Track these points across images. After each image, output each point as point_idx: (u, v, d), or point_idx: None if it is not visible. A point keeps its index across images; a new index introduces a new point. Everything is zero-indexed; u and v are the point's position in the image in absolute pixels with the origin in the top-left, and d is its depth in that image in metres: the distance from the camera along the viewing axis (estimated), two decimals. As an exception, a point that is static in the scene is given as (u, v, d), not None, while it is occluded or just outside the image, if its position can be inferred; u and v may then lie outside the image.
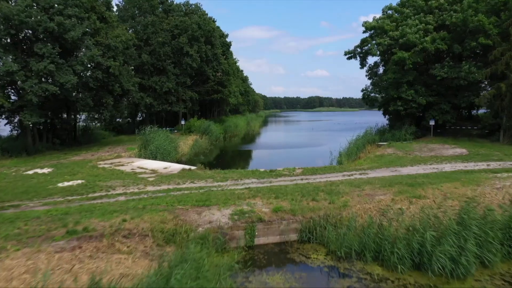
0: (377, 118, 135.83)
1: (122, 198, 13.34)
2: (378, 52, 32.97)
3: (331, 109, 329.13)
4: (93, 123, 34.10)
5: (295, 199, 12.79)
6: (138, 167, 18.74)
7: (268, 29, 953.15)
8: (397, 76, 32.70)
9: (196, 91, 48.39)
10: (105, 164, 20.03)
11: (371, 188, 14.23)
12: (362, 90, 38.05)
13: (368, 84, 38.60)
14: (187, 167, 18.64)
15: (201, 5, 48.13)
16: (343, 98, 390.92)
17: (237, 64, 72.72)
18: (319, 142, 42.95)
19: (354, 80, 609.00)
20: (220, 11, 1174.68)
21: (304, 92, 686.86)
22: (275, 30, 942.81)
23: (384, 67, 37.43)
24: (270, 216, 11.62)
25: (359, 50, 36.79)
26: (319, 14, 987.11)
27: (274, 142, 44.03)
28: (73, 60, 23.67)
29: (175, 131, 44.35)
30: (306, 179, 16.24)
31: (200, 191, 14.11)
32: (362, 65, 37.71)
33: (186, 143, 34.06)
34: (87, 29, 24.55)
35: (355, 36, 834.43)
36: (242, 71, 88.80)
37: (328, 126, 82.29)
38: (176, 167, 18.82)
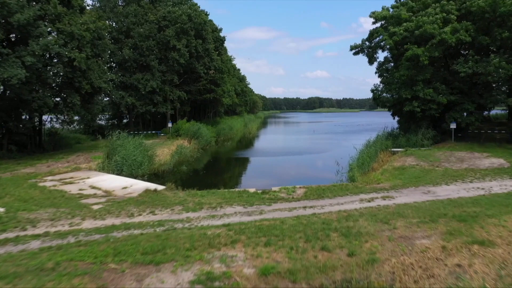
0: (380, 119, 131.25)
1: (36, 243, 8.94)
2: (392, 43, 28.50)
3: (331, 110, 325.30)
4: (64, 126, 29.64)
5: (296, 247, 8.36)
6: (90, 186, 14.35)
7: (267, 30, 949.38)
8: (411, 73, 28.33)
9: (186, 90, 44.04)
10: (51, 181, 15.62)
11: (405, 224, 9.84)
12: (372, 90, 33.66)
13: (378, 83, 34.36)
14: (152, 186, 14.24)
15: (192, -4, 43.83)
16: (343, 99, 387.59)
17: (233, 62, 68.42)
18: (323, 147, 38.59)
19: (354, 81, 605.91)
20: (220, 12, 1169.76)
21: (304, 93, 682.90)
22: (274, 31, 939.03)
23: (394, 64, 33.07)
24: (255, 286, 7.20)
25: (367, 43, 32.47)
26: (319, 14, 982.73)
27: (272, 147, 39.64)
28: (22, 50, 19.24)
29: (162, 134, 39.99)
30: (311, 206, 11.84)
31: (157, 230, 9.71)
32: (371, 61, 33.37)
33: (169, 149, 29.63)
34: (41, 13, 20.14)
35: (355, 36, 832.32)
36: (239, 70, 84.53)
37: (330, 128, 77.96)
38: (139, 186, 14.43)
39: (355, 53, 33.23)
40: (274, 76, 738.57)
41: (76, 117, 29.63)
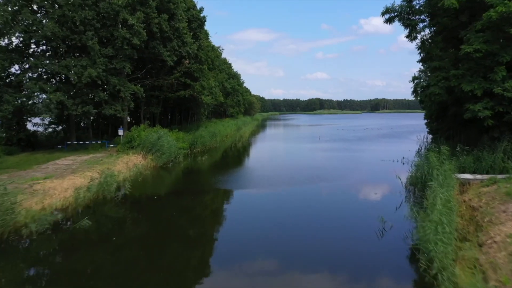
0: (386, 122, 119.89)
1: None
2: (456, 2, 17.23)
3: (332, 111, 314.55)
4: None
5: None
6: None
7: (268, 32, 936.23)
8: (493, 48, 17.14)
9: (153, 85, 32.91)
10: None
11: None
12: (414, 78, 22.40)
13: (417, 72, 23.27)
14: None
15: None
16: (344, 100, 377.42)
17: (220, 51, 56.92)
18: (339, 165, 26.93)
19: (354, 83, 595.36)
20: (220, 14, 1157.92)
21: (304, 94, 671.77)
22: (275, 32, 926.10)
23: (446, 43, 21.79)
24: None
25: (406, 4, 21.20)
26: (319, 16, 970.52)
27: (267, 165, 28.08)
28: None
29: (111, 146, 28.79)
30: None
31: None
32: (411, 34, 22.12)
33: (92, 173, 18.24)
34: None
35: (356, 38, 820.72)
36: (230, 64, 73.12)
37: (337, 133, 66.66)
38: None
39: (387, 20, 21.98)
40: (274, 78, 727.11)
41: None
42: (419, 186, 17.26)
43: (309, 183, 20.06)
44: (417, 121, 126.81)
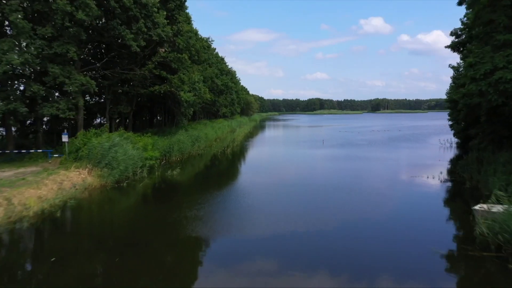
0: (391, 122, 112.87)
1: None
2: None
3: (333, 111, 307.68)
4: None
5: None
6: None
7: (267, 32, 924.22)
8: None
9: (118, 78, 26.25)
10: None
11: None
12: (468, 61, 15.53)
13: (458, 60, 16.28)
14: None
15: None
16: (345, 100, 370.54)
17: (209, 42, 49.89)
18: (359, 186, 19.97)
19: (353, 83, 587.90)
20: (220, 14, 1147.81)
21: (304, 95, 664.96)
22: (274, 32, 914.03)
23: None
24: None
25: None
26: (319, 16, 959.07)
27: (261, 183, 21.26)
28: None
29: (55, 156, 21.99)
30: None
31: None
32: None
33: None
34: None
35: (356, 38, 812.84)
36: (222, 58, 66.00)
37: (340, 135, 59.93)
38: None
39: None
40: (274, 78, 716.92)
41: None
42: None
43: (325, 224, 13.00)
44: (424, 121, 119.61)
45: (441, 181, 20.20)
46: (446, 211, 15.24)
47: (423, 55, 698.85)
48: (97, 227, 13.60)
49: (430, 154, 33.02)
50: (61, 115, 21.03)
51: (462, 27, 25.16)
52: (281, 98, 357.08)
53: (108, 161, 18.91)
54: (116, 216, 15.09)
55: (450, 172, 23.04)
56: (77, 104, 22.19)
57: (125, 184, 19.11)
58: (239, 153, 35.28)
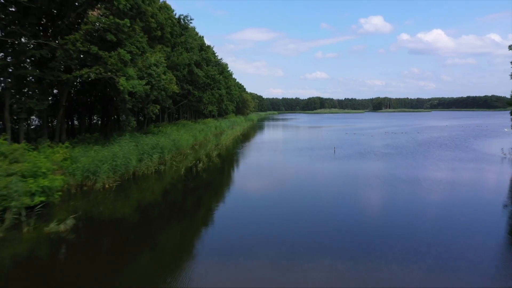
0: (401, 122, 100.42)
1: None
2: None
3: (333, 110, 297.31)
4: None
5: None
6: None
7: (267, 31, 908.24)
8: None
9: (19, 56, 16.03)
10: None
11: None
12: None
13: None
14: None
15: None
16: (346, 99, 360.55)
17: (186, 20, 38.93)
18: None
19: (353, 83, 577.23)
20: (220, 13, 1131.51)
21: (303, 94, 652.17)
22: (274, 32, 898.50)
23: None
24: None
25: None
26: (319, 16, 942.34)
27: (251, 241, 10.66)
28: None
29: None
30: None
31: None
32: None
33: None
34: None
35: (355, 38, 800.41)
36: (208, 46, 55.15)
37: (350, 138, 49.59)
38: None
39: None
40: (273, 78, 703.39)
41: None
42: None
43: None
44: (437, 121, 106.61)
45: None
46: None
47: (423, 54, 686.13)
48: None
49: (497, 169, 22.61)
50: None
51: None
52: (280, 97, 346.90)
53: None
54: None
55: None
56: None
57: None
58: (218, 169, 24.86)
